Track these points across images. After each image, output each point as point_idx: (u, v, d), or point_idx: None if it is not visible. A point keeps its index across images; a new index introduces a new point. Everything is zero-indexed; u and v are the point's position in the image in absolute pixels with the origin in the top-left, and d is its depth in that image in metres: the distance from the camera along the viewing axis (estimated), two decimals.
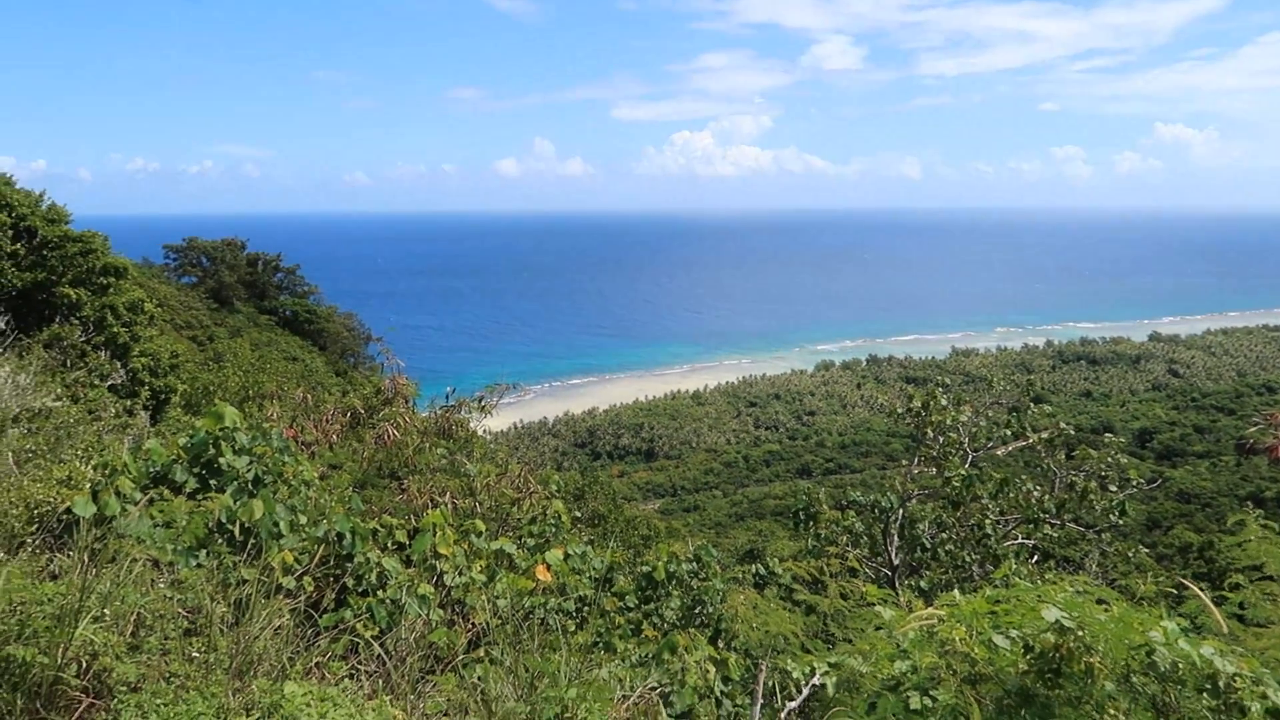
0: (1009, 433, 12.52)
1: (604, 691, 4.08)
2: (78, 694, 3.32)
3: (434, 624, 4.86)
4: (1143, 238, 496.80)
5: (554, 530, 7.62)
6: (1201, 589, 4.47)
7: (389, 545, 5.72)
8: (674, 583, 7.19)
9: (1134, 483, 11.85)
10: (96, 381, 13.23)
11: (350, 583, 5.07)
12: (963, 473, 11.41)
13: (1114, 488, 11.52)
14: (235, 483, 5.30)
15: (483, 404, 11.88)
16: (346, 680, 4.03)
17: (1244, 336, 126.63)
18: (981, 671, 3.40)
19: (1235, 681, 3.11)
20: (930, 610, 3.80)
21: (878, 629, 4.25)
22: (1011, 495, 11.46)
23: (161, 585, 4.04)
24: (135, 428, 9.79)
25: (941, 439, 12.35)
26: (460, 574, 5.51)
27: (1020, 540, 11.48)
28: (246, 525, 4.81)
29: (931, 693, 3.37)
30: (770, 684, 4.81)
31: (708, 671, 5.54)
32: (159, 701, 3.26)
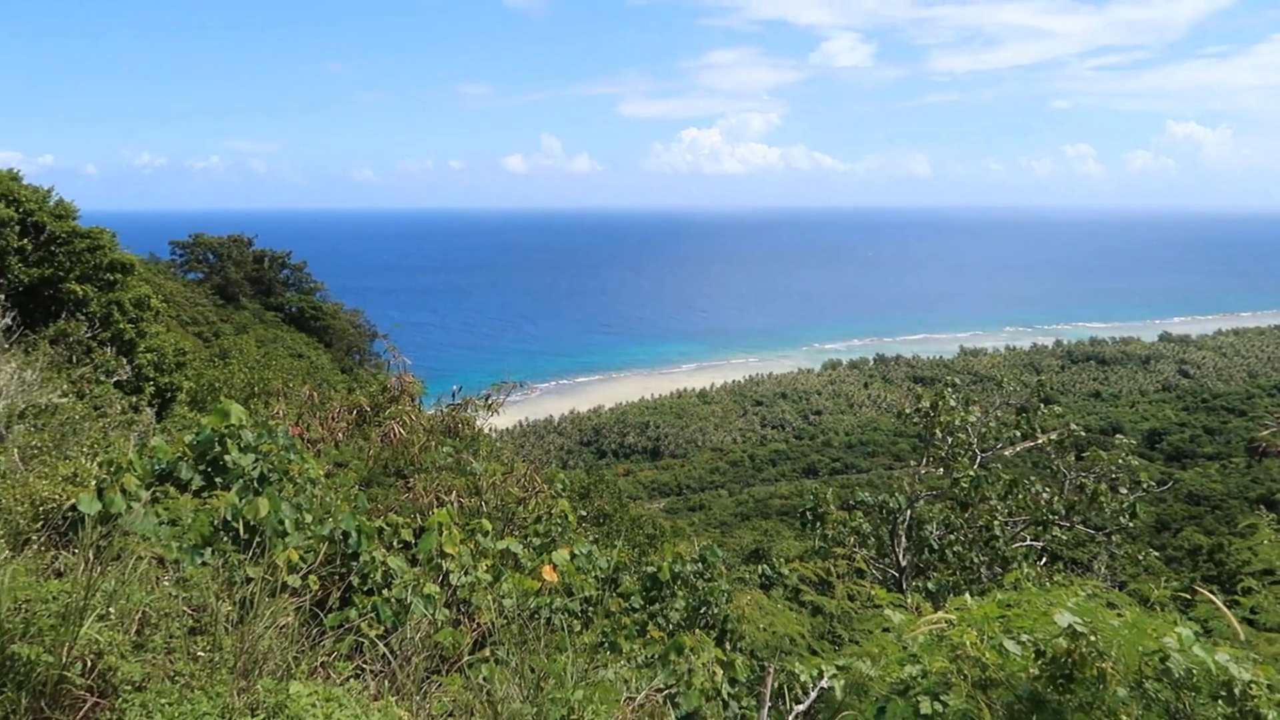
0: (1018, 433, 12.47)
1: (610, 693, 4.07)
2: (82, 693, 3.32)
3: (439, 624, 4.86)
4: (1153, 237, 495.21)
5: (560, 530, 7.62)
6: (1212, 593, 4.44)
7: (394, 544, 5.72)
8: (679, 583, 7.18)
9: (1144, 485, 11.80)
10: (102, 378, 13.27)
11: (356, 581, 5.07)
12: (971, 474, 11.38)
13: (1124, 490, 11.47)
14: (241, 480, 5.30)
15: (489, 402, 11.88)
16: (352, 680, 4.03)
17: (1255, 337, 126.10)
18: (992, 676, 3.38)
19: (1251, 689, 3.08)
20: (940, 614, 3.78)
21: (886, 631, 4.23)
22: (1020, 497, 11.42)
23: (166, 583, 4.04)
24: (141, 424, 9.81)
25: (950, 439, 12.31)
26: (466, 573, 5.50)
27: (1029, 542, 11.44)
28: (252, 523, 4.81)
29: (942, 698, 3.36)
30: (777, 686, 4.80)
31: (714, 673, 5.53)
32: (164, 701, 3.26)
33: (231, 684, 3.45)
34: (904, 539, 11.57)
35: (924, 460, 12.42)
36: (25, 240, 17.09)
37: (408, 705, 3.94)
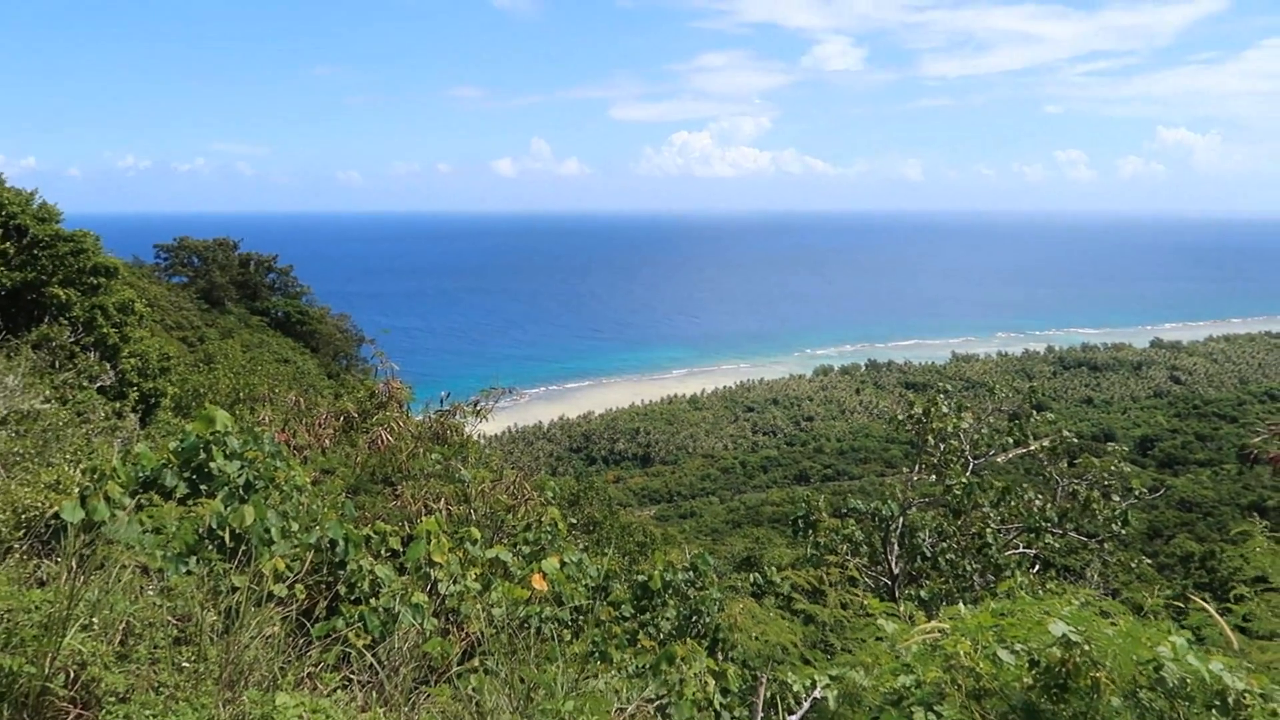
0: (1010, 440, 12.52)
1: (601, 703, 4.06)
2: (65, 705, 3.29)
3: (428, 633, 4.84)
4: (1145, 242, 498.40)
5: (549, 538, 7.61)
6: (1205, 600, 4.47)
7: (382, 552, 5.69)
8: (670, 592, 7.17)
9: (1136, 491, 11.86)
10: (85, 383, 13.19)
11: (343, 591, 5.05)
12: (964, 480, 11.41)
13: (1116, 496, 11.53)
14: (226, 488, 5.28)
15: (478, 408, 11.86)
16: (339, 691, 4.01)
17: (1246, 343, 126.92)
18: (986, 686, 3.39)
19: (1245, 698, 3.10)
20: (934, 623, 3.79)
21: (879, 640, 4.24)
22: (1013, 504, 11.47)
23: (151, 592, 4.02)
24: (124, 431, 9.75)
25: (942, 446, 12.35)
26: (455, 582, 5.49)
27: (1022, 549, 11.48)
28: (237, 531, 4.79)
29: (936, 708, 3.36)
30: (770, 696, 4.80)
31: (706, 683, 5.53)
32: (148, 712, 3.24)
33: (217, 695, 3.43)
34: (896, 547, 11.59)
35: (916, 467, 12.45)
36: (7, 243, 17.00)
37: (396, 716, 3.93)
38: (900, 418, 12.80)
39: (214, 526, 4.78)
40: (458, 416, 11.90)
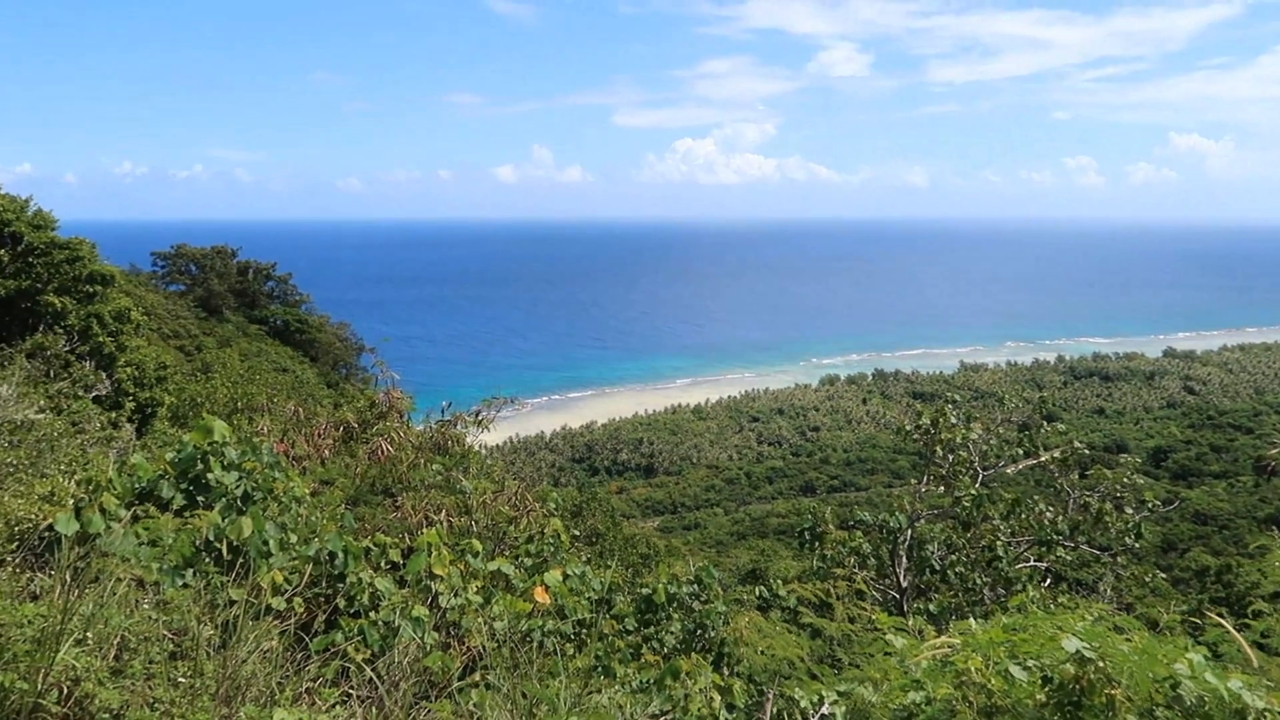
0: (1020, 451, 12.51)
1: (604, 719, 4.04)
2: None
3: (428, 647, 4.82)
4: (1157, 250, 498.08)
5: (552, 550, 7.59)
6: (1221, 616, 4.44)
7: (382, 565, 5.68)
8: (675, 605, 7.14)
9: (1149, 504, 11.83)
10: (81, 393, 13.21)
11: (342, 604, 5.04)
12: (973, 492, 11.39)
13: (1129, 509, 11.50)
14: (224, 499, 5.27)
15: (479, 418, 11.85)
16: (338, 707, 4.00)
17: (1262, 353, 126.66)
18: (998, 703, 3.37)
19: (1265, 717, 3.07)
20: (944, 638, 3.77)
21: (888, 655, 4.22)
22: (1024, 516, 11.44)
23: (146, 606, 4.01)
24: (120, 441, 9.76)
25: (951, 457, 12.33)
26: (456, 595, 5.47)
27: (1033, 563, 11.44)
28: (235, 544, 4.78)
29: None
30: (776, 712, 4.78)
31: (711, 699, 5.50)
32: None
33: (213, 711, 3.42)
34: (905, 559, 11.57)
35: (924, 478, 12.43)
36: (1, 251, 17.06)
37: None
38: (908, 428, 12.78)
39: (211, 539, 4.77)
40: (459, 426, 11.90)
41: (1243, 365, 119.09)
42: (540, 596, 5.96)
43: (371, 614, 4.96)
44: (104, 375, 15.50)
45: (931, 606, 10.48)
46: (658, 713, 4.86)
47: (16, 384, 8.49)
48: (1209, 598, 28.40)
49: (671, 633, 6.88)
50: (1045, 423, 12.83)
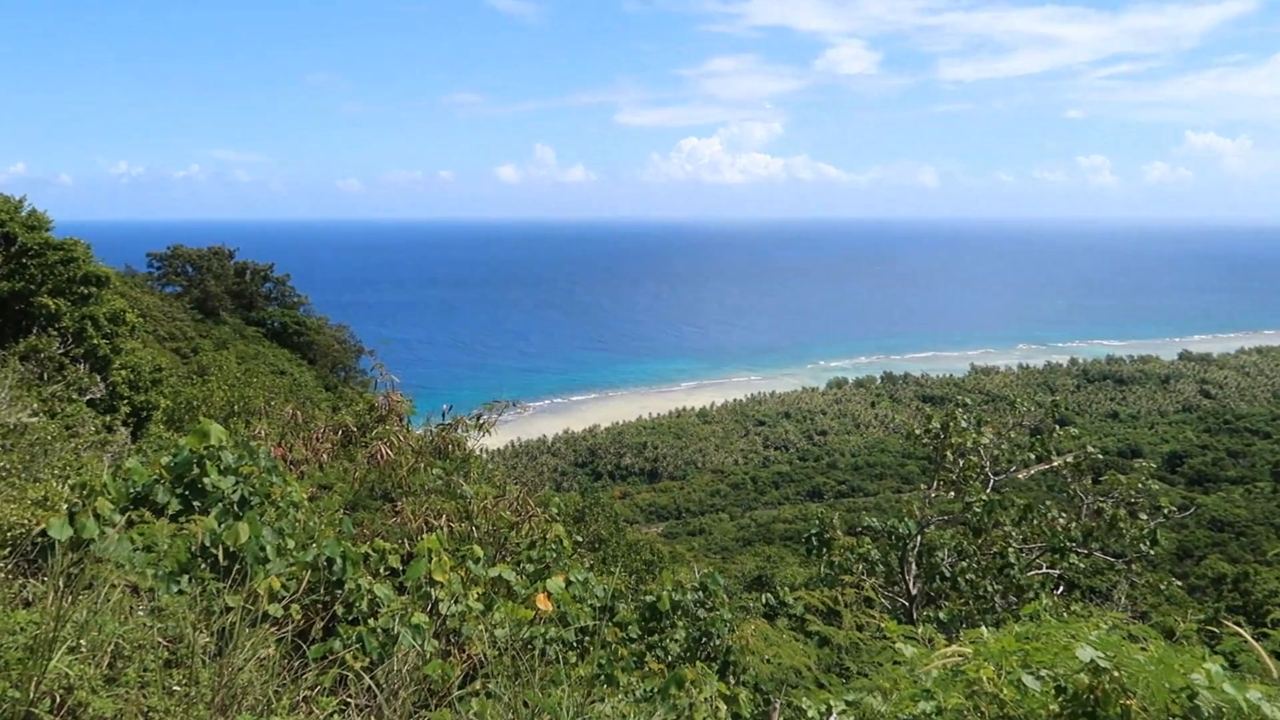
0: (1032, 456, 12.48)
1: None
2: None
3: (428, 655, 4.82)
4: (1172, 251, 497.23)
5: (554, 556, 7.59)
6: (1238, 624, 4.42)
7: (381, 571, 5.68)
8: (679, 612, 7.14)
9: (1165, 510, 11.80)
10: (75, 396, 13.24)
11: (340, 611, 5.03)
12: (984, 498, 11.37)
13: (1144, 515, 11.47)
14: (220, 504, 5.27)
15: (480, 422, 11.86)
16: (336, 716, 3.99)
17: None
18: (1011, 714, 3.36)
19: None
20: (955, 647, 3.75)
21: (897, 664, 4.20)
22: (1036, 522, 11.41)
23: (141, 613, 4.01)
24: (115, 445, 9.78)
25: (961, 462, 12.31)
26: (456, 602, 5.47)
27: (1045, 570, 11.41)
28: (231, 549, 4.78)
29: None
30: None
31: (717, 708, 5.49)
32: None
33: None
34: (914, 566, 11.54)
35: (934, 483, 12.41)
36: None
37: None
38: (917, 432, 12.77)
39: (207, 544, 4.77)
40: (459, 430, 11.91)
41: (1260, 368, 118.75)
42: (542, 603, 5.95)
43: (370, 621, 4.96)
44: (98, 378, 15.53)
45: (941, 614, 10.45)
46: None
47: (10, 387, 8.51)
48: (1226, 606, 28.29)
49: (676, 641, 6.87)
50: (1058, 427, 12.80)
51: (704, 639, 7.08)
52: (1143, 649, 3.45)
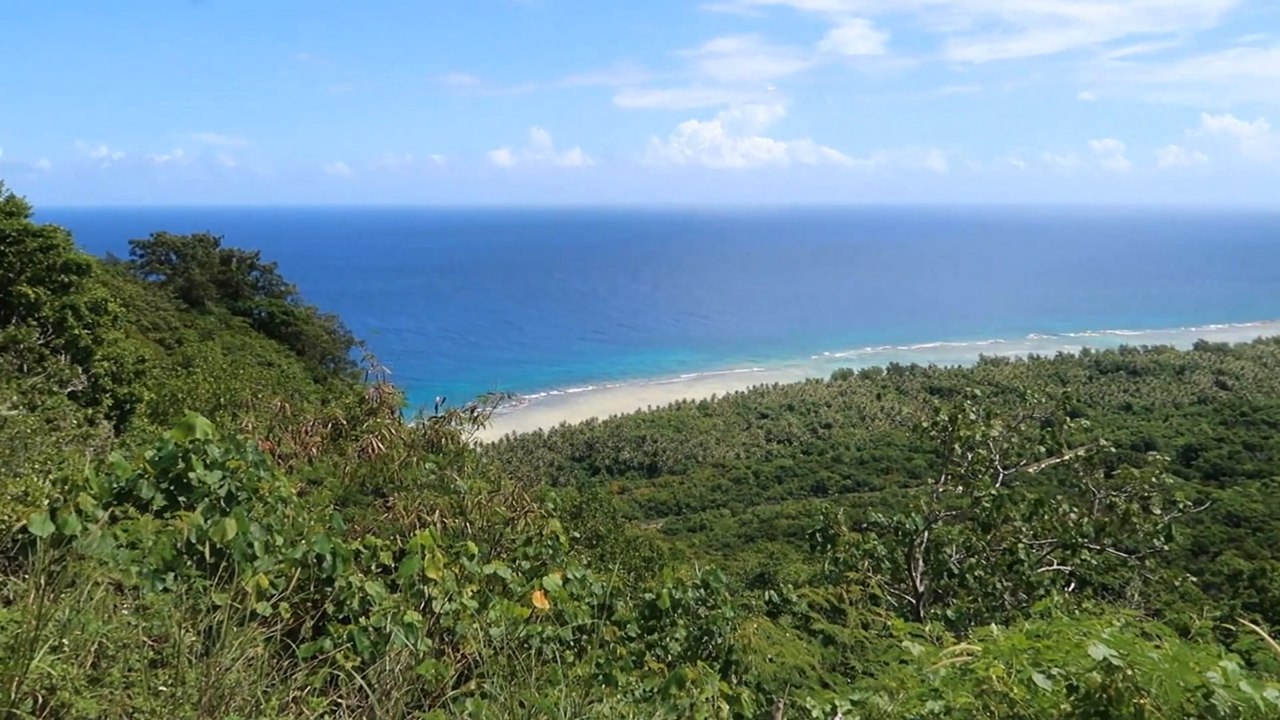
0: (1043, 449, 12.50)
1: None
2: None
3: (421, 655, 4.82)
4: (1187, 237, 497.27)
5: (551, 552, 7.60)
6: (1255, 622, 4.43)
7: (373, 568, 5.69)
8: (680, 610, 7.15)
9: (1179, 505, 11.82)
10: (55, 388, 13.23)
11: (330, 609, 5.04)
12: (993, 492, 11.39)
13: (1158, 510, 11.49)
14: (206, 500, 5.27)
15: (475, 415, 11.86)
16: (326, 716, 4.00)
17: None
18: (1021, 713, 3.37)
19: None
20: (963, 645, 3.76)
21: (904, 663, 4.22)
22: (1046, 517, 11.43)
23: (125, 611, 4.01)
24: (97, 439, 9.77)
25: (970, 455, 12.33)
26: (450, 600, 5.47)
27: (1056, 566, 11.44)
28: (218, 546, 4.78)
29: None
30: None
31: (719, 708, 5.50)
32: None
33: None
34: (921, 563, 11.57)
35: (942, 478, 12.43)
36: None
37: None
38: (925, 425, 12.78)
39: (193, 541, 4.77)
40: (453, 423, 11.91)
41: (1278, 359, 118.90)
42: (539, 601, 5.96)
43: (362, 620, 4.96)
44: (80, 369, 15.53)
45: (949, 612, 10.48)
46: None
47: None
48: (1242, 603, 28.38)
49: (676, 639, 6.89)
50: (1069, 419, 12.83)
51: (705, 637, 7.10)
52: (1157, 647, 3.46)
